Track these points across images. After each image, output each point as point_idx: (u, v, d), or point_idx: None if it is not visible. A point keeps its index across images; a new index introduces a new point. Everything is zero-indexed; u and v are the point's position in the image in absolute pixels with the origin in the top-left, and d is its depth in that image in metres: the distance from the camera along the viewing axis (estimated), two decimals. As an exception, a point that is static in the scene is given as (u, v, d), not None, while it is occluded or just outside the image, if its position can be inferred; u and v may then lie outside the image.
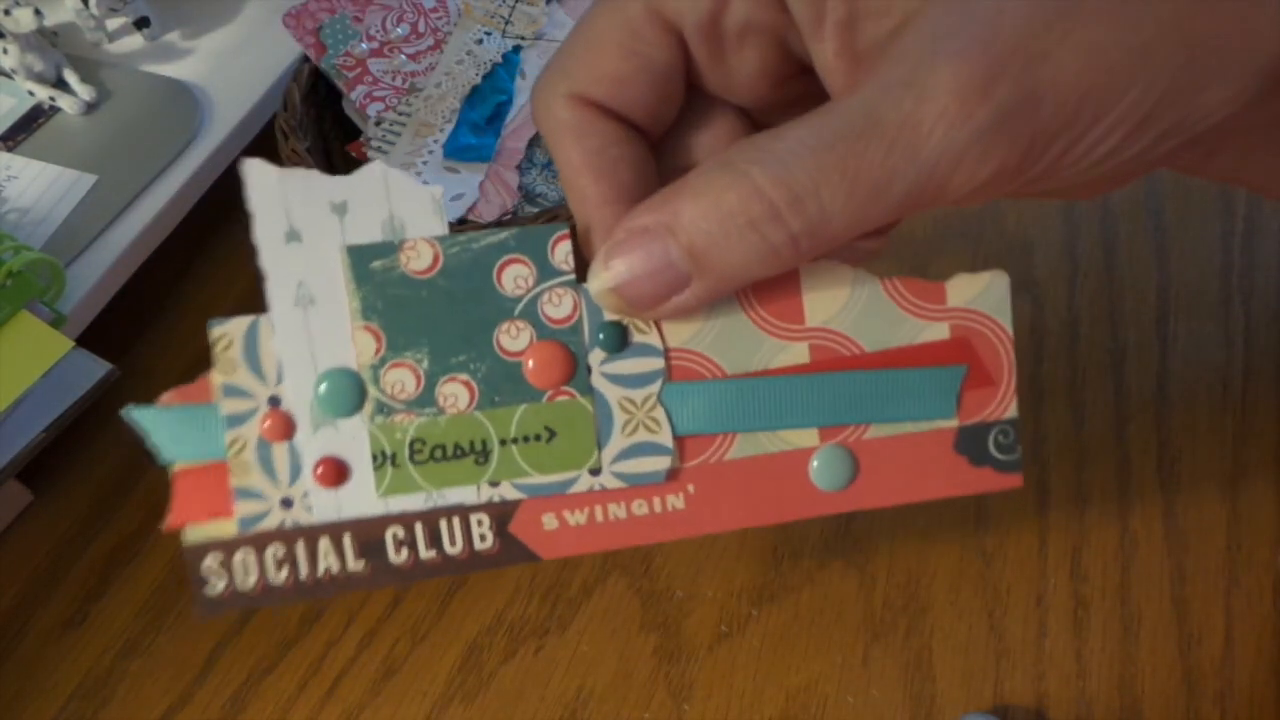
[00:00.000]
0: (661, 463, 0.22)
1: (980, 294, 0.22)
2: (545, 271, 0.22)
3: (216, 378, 0.22)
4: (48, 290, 0.37)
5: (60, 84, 0.46)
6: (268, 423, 0.22)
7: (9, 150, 0.44)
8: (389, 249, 0.21)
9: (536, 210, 0.38)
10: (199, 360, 0.46)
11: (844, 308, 0.22)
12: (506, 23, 0.42)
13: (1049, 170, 0.19)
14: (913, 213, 0.20)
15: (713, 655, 0.34)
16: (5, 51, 0.45)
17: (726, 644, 0.34)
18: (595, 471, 0.22)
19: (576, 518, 0.22)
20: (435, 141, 0.39)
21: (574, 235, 0.22)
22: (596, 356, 0.22)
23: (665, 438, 0.22)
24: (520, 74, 0.41)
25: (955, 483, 0.22)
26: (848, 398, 0.22)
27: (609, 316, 0.22)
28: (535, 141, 0.39)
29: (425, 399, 0.22)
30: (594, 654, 0.34)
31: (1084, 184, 0.22)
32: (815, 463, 0.22)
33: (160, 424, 0.22)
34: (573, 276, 0.22)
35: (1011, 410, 0.22)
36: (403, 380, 0.22)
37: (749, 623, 0.34)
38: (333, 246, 0.21)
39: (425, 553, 0.22)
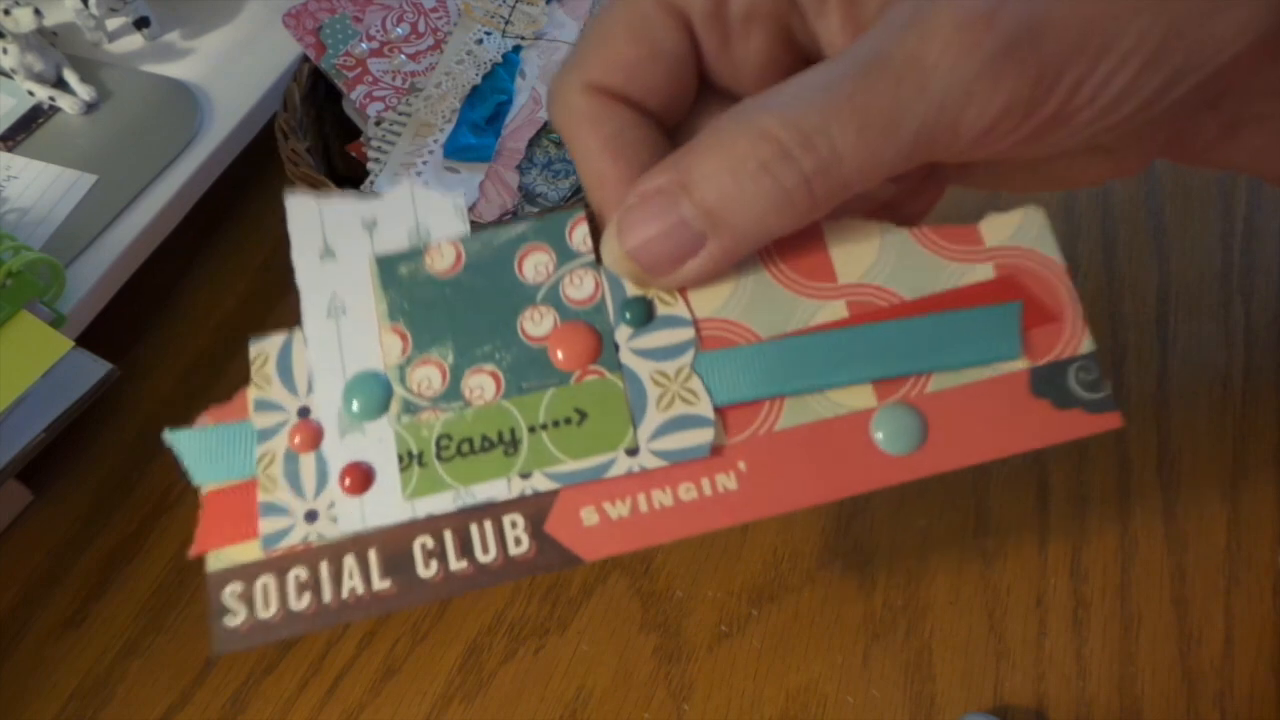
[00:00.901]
0: (704, 435, 0.20)
1: (1017, 230, 0.21)
2: (565, 255, 0.21)
3: (251, 393, 0.22)
4: (48, 290, 0.37)
5: (60, 84, 0.46)
6: (297, 437, 0.21)
7: (9, 150, 0.44)
8: (415, 254, 0.22)
9: (536, 210, 0.38)
10: (199, 360, 0.46)
11: (876, 261, 0.21)
12: (506, 23, 0.42)
13: (1065, 109, 0.19)
14: (932, 157, 0.19)
15: (713, 655, 0.34)
16: (5, 51, 0.45)
17: (726, 644, 0.34)
18: (633, 451, 0.20)
19: (619, 510, 0.20)
20: (435, 141, 0.39)
21: (591, 218, 0.22)
22: (623, 333, 0.21)
23: (705, 408, 0.21)
24: (520, 74, 0.41)
25: (1043, 431, 0.20)
26: (898, 346, 0.20)
27: (631, 292, 0.21)
28: (535, 141, 0.39)
29: (451, 393, 0.21)
30: (594, 654, 0.34)
31: (1105, 160, 0.21)
32: (877, 426, 0.20)
33: (194, 446, 0.21)
34: (592, 257, 0.21)
35: (1087, 344, 0.20)
36: (429, 377, 0.21)
37: (749, 623, 0.34)
38: (363, 258, 0.22)
39: (456, 563, 0.20)
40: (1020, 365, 0.20)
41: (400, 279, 0.22)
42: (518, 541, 0.20)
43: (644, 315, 0.21)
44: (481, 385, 0.21)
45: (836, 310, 0.21)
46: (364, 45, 0.41)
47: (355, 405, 0.21)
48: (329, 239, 0.22)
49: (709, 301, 0.21)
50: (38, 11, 0.44)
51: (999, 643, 0.33)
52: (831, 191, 0.19)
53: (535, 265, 0.21)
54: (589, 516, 0.20)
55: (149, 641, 0.36)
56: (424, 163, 0.39)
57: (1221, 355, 0.38)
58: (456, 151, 0.39)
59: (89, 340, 0.37)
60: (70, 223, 0.41)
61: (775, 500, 0.20)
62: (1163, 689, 0.32)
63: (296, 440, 0.21)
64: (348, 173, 0.42)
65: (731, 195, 0.19)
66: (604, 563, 0.36)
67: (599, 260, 0.21)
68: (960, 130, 0.18)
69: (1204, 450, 0.36)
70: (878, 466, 0.20)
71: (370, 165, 0.39)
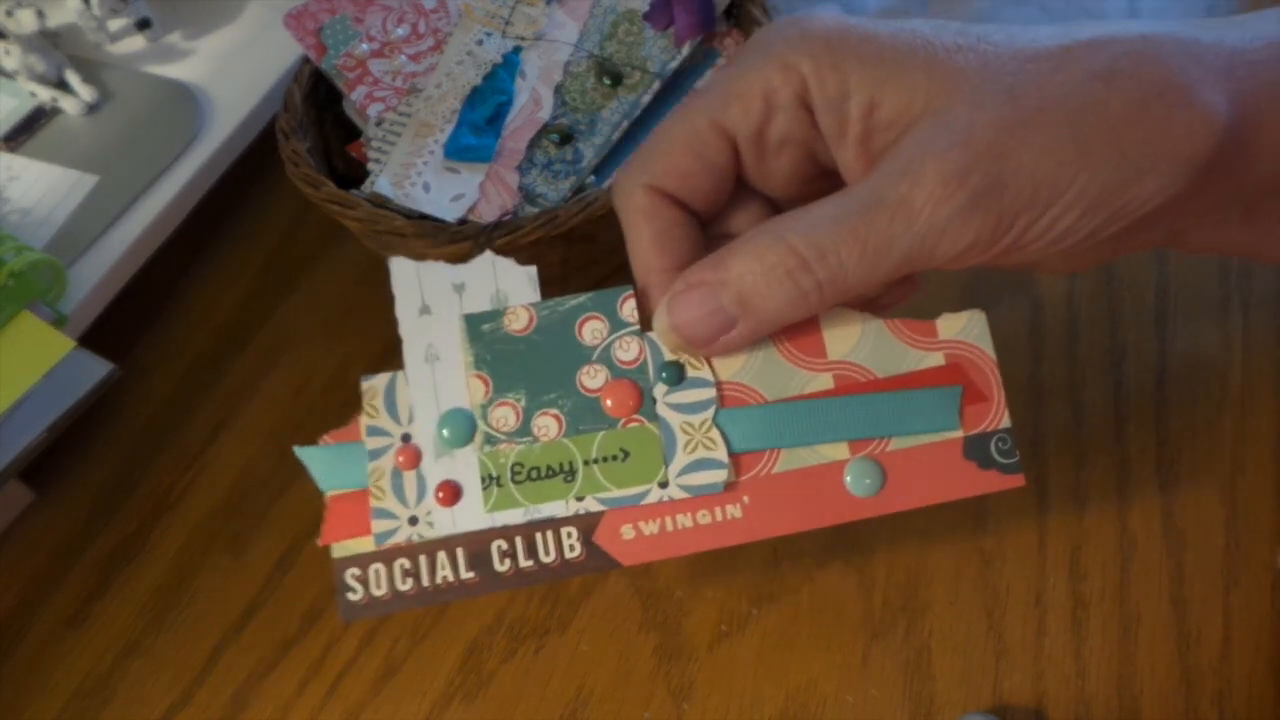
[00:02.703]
0: (719, 475, 0.26)
1: (964, 328, 0.27)
2: (615, 324, 0.27)
3: (364, 420, 0.27)
4: (49, 290, 0.37)
5: (62, 85, 0.46)
6: (401, 458, 0.27)
7: (11, 151, 0.44)
8: (496, 315, 0.27)
9: (537, 210, 0.38)
10: (199, 360, 0.46)
11: (857, 344, 0.27)
12: (506, 23, 0.42)
13: (1019, 242, 0.24)
14: (912, 271, 0.25)
15: (713, 655, 0.34)
16: (8, 53, 0.45)
17: (726, 644, 0.34)
18: (664, 485, 0.26)
19: (650, 528, 0.26)
20: (435, 142, 0.39)
21: (637, 295, 0.27)
22: (660, 390, 0.27)
23: (721, 454, 0.26)
24: (520, 74, 0.41)
25: (968, 484, 0.27)
26: (869, 415, 0.27)
27: (668, 356, 0.27)
28: (535, 142, 0.39)
29: (523, 430, 0.27)
30: (594, 654, 0.34)
31: (1059, 260, 0.27)
32: (849, 473, 0.26)
33: (318, 459, 0.27)
34: (637, 327, 0.27)
35: (1005, 421, 0.27)
36: (506, 416, 0.27)
37: (749, 622, 0.34)
38: (454, 316, 0.27)
39: (524, 562, 0.26)
40: (957, 434, 0.27)
41: (483, 334, 0.27)
42: (572, 548, 0.26)
43: (677, 376, 0.27)
44: (547, 425, 0.27)
45: (825, 381, 0.27)
46: (364, 46, 0.41)
47: (447, 434, 0.27)
48: (426, 298, 0.27)
49: (728, 367, 0.27)
50: (40, 13, 0.44)
51: (998, 642, 0.33)
52: (837, 295, 0.25)
53: (592, 331, 0.27)
54: (627, 532, 0.26)
55: (150, 641, 0.36)
56: (424, 163, 0.39)
57: (1220, 355, 0.38)
58: (457, 152, 0.39)
59: (90, 340, 0.37)
60: (72, 223, 0.41)
61: (769, 527, 0.26)
62: (1161, 688, 0.32)
63: (400, 460, 0.27)
64: (348, 173, 0.42)
65: (761, 292, 0.25)
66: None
67: (644, 329, 0.27)
68: (936, 255, 0.24)
69: (1202, 450, 0.36)
70: (847, 505, 0.26)
71: (370, 166, 0.39)
